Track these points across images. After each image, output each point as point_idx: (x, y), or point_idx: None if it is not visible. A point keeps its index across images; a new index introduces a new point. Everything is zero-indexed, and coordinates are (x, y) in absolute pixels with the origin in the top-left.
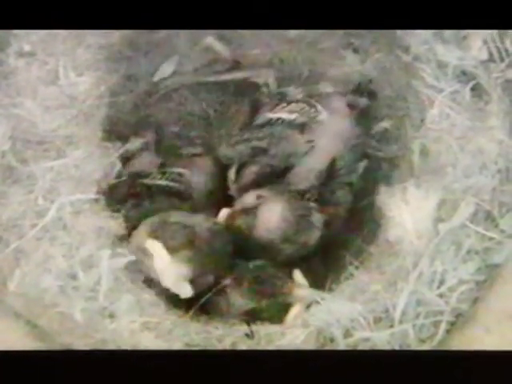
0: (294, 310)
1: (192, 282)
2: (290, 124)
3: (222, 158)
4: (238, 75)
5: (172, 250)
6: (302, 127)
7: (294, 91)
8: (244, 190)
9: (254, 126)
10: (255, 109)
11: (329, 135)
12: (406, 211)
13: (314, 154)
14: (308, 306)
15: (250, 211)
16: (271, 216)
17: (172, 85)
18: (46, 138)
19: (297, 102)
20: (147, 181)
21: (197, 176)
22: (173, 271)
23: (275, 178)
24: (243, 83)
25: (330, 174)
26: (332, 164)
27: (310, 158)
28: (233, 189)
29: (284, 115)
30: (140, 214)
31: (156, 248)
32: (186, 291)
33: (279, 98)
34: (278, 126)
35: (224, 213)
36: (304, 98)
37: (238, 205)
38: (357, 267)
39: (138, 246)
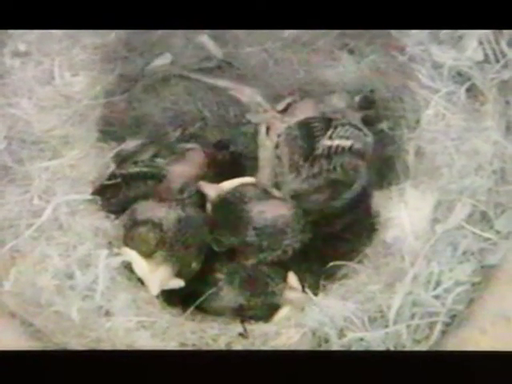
0: (283, 312)
1: (179, 274)
2: (351, 151)
3: (290, 193)
4: (221, 83)
5: (146, 255)
6: (362, 154)
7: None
8: None
9: (317, 156)
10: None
11: None
12: (403, 212)
13: None
14: (300, 310)
15: None
16: None
17: (160, 73)
18: (41, 137)
19: (343, 125)
20: (122, 171)
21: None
22: (154, 277)
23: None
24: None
25: None
26: None
27: None
28: None
29: (342, 142)
30: (119, 202)
31: (132, 256)
32: (175, 284)
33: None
34: (342, 154)
35: None
36: (346, 120)
37: None
38: (354, 268)
39: None
